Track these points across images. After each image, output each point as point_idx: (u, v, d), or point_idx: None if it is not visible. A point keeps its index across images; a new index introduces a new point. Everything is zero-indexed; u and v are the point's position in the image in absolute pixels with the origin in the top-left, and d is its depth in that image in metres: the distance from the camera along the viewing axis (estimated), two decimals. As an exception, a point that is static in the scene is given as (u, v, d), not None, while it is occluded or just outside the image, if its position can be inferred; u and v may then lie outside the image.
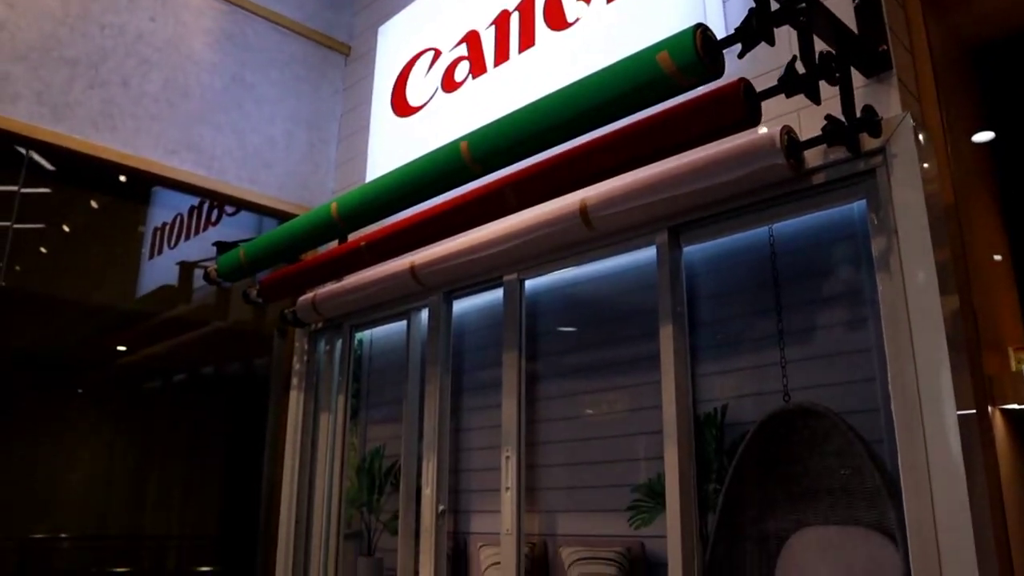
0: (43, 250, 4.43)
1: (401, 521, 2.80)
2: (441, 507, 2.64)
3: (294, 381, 3.42)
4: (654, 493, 2.19)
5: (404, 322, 3.02)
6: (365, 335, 3.27)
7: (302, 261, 3.06)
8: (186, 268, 3.71)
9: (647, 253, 2.32)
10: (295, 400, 3.38)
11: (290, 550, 3.19)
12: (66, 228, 4.48)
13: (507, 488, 2.42)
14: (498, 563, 2.49)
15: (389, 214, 2.45)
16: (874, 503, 1.85)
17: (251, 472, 3.67)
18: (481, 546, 2.59)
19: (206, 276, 3.22)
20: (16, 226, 3.76)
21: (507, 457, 2.45)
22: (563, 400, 2.46)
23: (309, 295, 3.22)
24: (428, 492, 2.66)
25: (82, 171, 3.43)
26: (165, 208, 3.91)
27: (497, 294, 2.68)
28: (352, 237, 2.91)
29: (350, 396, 3.20)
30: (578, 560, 2.31)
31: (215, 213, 3.77)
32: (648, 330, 2.28)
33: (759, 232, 2.16)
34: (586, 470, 2.37)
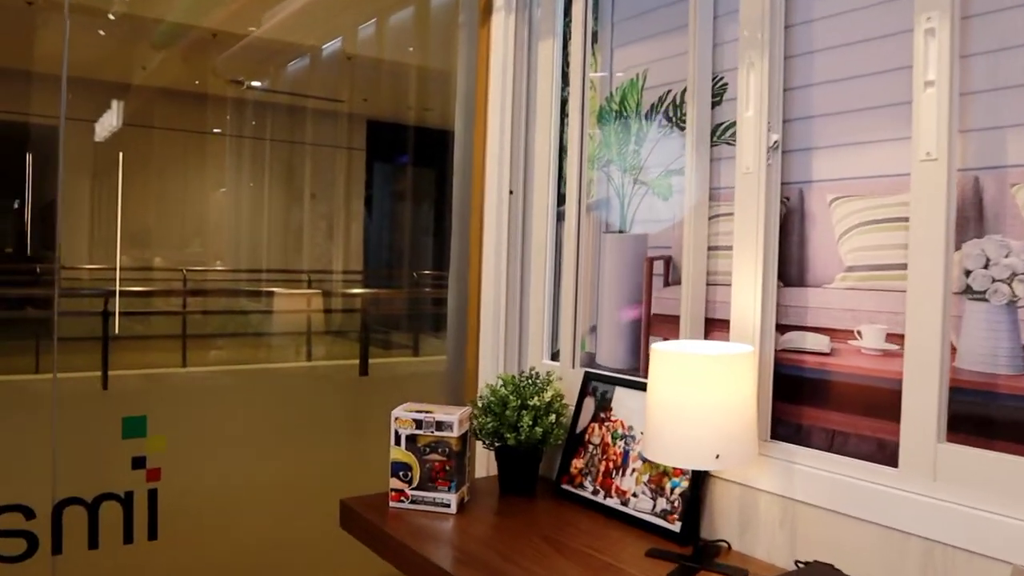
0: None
1: (691, 169, 1.84)
2: (775, 138, 1.64)
3: (497, 3, 2.40)
4: None
5: None
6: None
7: None
8: None
9: None
10: (501, 28, 2.37)
11: (504, 228, 2.33)
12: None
13: (928, 84, 1.39)
14: (867, 223, 1.53)
15: None
16: None
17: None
18: (835, 200, 1.61)
19: None
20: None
21: (927, 30, 1.39)
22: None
23: None
24: (750, 116, 1.66)
25: None
26: None
27: None
28: None
29: (589, 8, 2.16)
30: (1063, 204, 1.30)
31: None
32: None
33: None
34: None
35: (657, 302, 1.98)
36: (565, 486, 1.96)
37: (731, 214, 1.76)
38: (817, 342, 1.63)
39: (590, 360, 2.16)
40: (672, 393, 1.45)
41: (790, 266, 1.69)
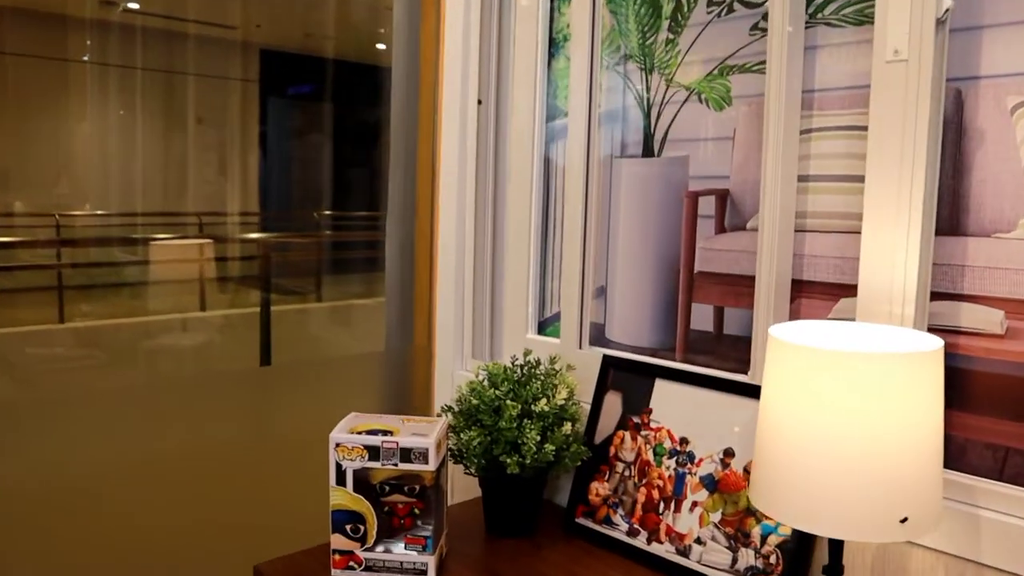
0: None
1: (775, 62, 1.24)
2: (946, 5, 1.05)
3: None
4: None
5: None
6: None
7: None
8: None
9: None
10: None
11: (470, 152, 1.69)
12: None
13: None
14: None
15: None
16: None
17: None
18: (1020, 106, 1.05)
19: None
20: None
21: None
22: None
23: None
24: (901, -33, 1.07)
25: None
26: None
27: None
28: None
29: None
30: None
31: None
32: None
33: None
34: None
35: (703, 255, 1.40)
36: (582, 520, 1.37)
37: (830, 128, 1.19)
38: (982, 318, 1.08)
39: (598, 334, 1.57)
40: (819, 416, 0.87)
41: (938, 206, 1.12)
